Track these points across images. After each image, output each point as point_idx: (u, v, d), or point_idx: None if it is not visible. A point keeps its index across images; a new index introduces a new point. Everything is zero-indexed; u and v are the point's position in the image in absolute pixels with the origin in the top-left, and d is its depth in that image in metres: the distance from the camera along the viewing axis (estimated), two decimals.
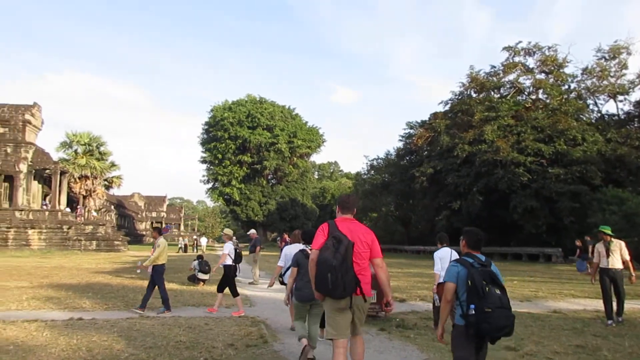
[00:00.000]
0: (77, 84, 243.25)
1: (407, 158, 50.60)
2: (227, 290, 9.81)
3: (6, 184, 38.62)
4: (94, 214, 42.63)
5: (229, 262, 9.75)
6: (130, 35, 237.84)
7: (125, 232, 56.05)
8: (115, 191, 62.68)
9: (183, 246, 44.35)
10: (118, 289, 13.30)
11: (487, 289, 3.83)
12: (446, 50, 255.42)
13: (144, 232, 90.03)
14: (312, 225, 63.93)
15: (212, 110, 64.81)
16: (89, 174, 41.51)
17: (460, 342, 3.97)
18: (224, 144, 61.45)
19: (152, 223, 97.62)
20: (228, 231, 10.49)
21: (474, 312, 3.81)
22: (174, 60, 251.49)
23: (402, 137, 50.82)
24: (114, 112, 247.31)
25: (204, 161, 66.76)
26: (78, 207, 43.15)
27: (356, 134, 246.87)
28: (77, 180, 41.40)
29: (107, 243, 38.32)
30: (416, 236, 51.33)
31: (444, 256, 7.56)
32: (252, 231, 19.32)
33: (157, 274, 9.72)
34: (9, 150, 38.96)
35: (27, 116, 40.35)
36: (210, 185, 67.01)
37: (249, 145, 61.59)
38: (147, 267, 10.22)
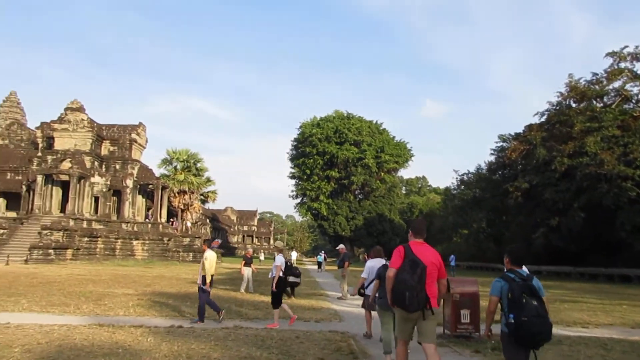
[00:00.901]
0: (177, 106, 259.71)
1: (500, 172, 48.57)
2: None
3: (115, 198, 41.90)
4: (188, 224, 44.92)
5: (275, 273, 9.87)
6: (227, 61, 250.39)
7: (219, 244, 58.56)
8: (210, 205, 65.84)
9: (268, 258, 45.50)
10: (214, 299, 13.86)
11: (524, 300, 4.45)
12: (543, 60, 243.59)
13: (237, 245, 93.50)
14: (399, 241, 62.98)
15: (300, 127, 66.34)
16: (186, 189, 43.92)
17: (506, 346, 4.68)
18: (312, 160, 62.49)
19: (243, 236, 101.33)
20: (279, 244, 10.59)
21: (513, 320, 4.46)
22: (267, 81, 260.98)
23: (494, 150, 48.95)
24: (209, 131, 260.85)
25: (292, 176, 68.23)
26: (172, 220, 45.73)
27: (445, 148, 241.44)
28: (176, 194, 43.94)
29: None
30: None
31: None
32: (341, 246, 19.39)
33: (203, 285, 9.96)
34: (117, 166, 42.31)
35: (134, 135, 43.66)
36: (298, 200, 68.24)
37: (336, 160, 62.16)
38: (208, 283, 10.16)
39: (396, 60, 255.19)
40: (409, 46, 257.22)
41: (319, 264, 38.53)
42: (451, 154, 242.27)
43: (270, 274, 10.15)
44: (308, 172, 63.56)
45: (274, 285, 9.66)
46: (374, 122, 67.81)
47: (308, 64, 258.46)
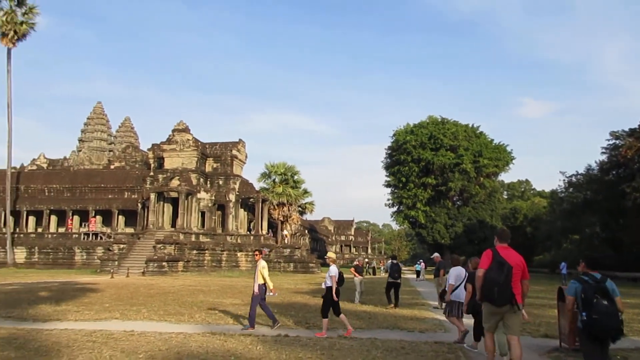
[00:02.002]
0: (273, 121, 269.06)
1: (614, 172, 44.77)
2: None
3: (219, 212, 44.16)
4: (285, 233, 46.06)
5: (330, 283, 9.85)
6: (317, 75, 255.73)
7: (318, 254, 59.47)
8: (308, 216, 67.11)
9: (371, 269, 45.42)
10: (316, 309, 14.08)
11: (595, 300, 5.15)
12: None
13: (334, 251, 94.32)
14: None
15: (394, 135, 65.78)
16: (285, 201, 45.20)
17: (582, 340, 5.48)
18: (407, 167, 61.65)
19: (341, 246, 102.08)
20: (331, 254, 10.64)
21: (585, 318, 5.20)
22: (358, 92, 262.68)
23: (606, 149, 45.26)
24: (304, 144, 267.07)
25: (388, 185, 67.70)
26: (265, 231, 47.12)
27: (549, 148, 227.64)
28: (276, 207, 45.36)
29: (303, 265, 41.06)
30: (631, 260, 44.75)
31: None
32: (436, 255, 18.97)
33: (260, 293, 10.16)
34: (220, 182, 44.63)
35: (234, 152, 45.86)
36: (395, 208, 67.52)
37: (432, 167, 60.83)
38: (274, 289, 10.70)
39: (489, 60, 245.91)
40: (503, 44, 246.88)
41: (418, 273, 37.84)
42: (556, 154, 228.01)
43: (323, 284, 10.19)
44: (403, 179, 62.76)
45: (333, 294, 9.68)
46: (470, 125, 65.58)
47: (398, 70, 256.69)
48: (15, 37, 40.33)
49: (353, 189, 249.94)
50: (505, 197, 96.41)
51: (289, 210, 46.30)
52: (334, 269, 10.02)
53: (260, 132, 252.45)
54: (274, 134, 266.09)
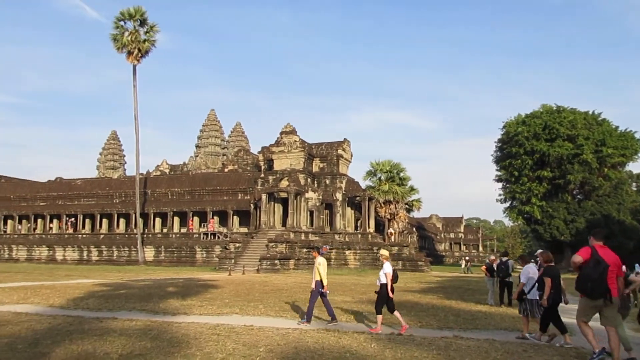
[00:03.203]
0: (377, 119, 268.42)
1: None
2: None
3: (327, 211, 44.98)
4: (390, 230, 45.69)
5: (384, 280, 10.03)
6: (418, 70, 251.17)
7: (426, 252, 58.40)
8: (415, 214, 66.09)
9: (467, 268, 43.88)
10: (428, 308, 13.87)
11: None
12: None
13: (444, 253, 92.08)
14: (632, 245, 54.99)
15: (504, 127, 62.51)
16: (391, 199, 44.89)
17: None
18: (519, 160, 58.28)
19: (450, 244, 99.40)
20: (384, 252, 10.72)
21: None
22: (462, 85, 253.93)
23: None
24: (409, 140, 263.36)
25: (499, 180, 64.51)
26: (372, 229, 46.95)
27: None
28: (382, 204, 45.21)
29: (412, 263, 40.53)
30: None
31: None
32: (539, 252, 17.93)
33: (317, 289, 10.57)
34: (327, 181, 45.46)
35: (340, 151, 46.47)
36: (507, 204, 64.21)
37: (547, 159, 56.91)
38: (326, 286, 10.80)
39: (609, 40, 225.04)
40: (624, 20, 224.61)
41: None
42: None
43: (377, 280, 10.25)
44: (516, 173, 59.43)
45: (388, 291, 9.97)
46: (590, 112, 60.50)
47: (502, 59, 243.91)
48: (139, 55, 44.14)
49: (461, 185, 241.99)
50: (635, 189, 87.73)
51: (395, 207, 45.92)
52: (388, 266, 10.19)
53: (362, 131, 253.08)
54: (376, 132, 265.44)
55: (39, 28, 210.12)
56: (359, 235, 43.86)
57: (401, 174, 46.62)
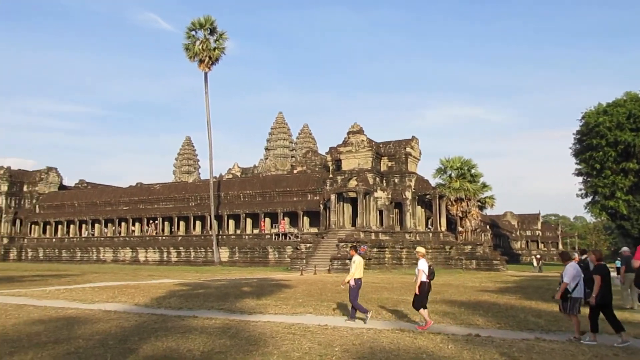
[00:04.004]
0: (445, 115, 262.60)
1: None
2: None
3: (396, 210, 44.54)
4: (460, 229, 44.46)
5: (424, 278, 10.17)
6: (488, 63, 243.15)
7: (501, 251, 56.36)
8: (488, 211, 63.96)
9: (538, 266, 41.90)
10: (506, 309, 13.39)
11: None
12: None
13: (520, 252, 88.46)
14: None
15: (583, 118, 59.05)
16: (463, 196, 43.74)
17: None
18: (601, 152, 54.87)
19: (527, 242, 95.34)
20: (420, 249, 10.85)
21: None
22: (534, 76, 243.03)
23: None
24: (480, 136, 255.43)
25: (579, 173, 61.04)
26: (444, 227, 45.81)
27: None
28: (454, 202, 44.15)
29: (486, 262, 39.30)
30: None
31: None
32: (624, 249, 16.81)
33: (356, 287, 10.97)
34: (396, 180, 45.03)
35: (408, 149, 45.89)
36: (588, 199, 60.66)
37: (633, 150, 53.17)
38: (349, 282, 11.17)
39: None
40: None
41: (618, 270, 33.50)
42: None
43: (417, 278, 10.35)
44: (598, 166, 55.99)
45: (417, 289, 10.18)
46: None
47: (579, 45, 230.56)
48: (210, 62, 45.79)
49: (537, 180, 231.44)
50: None
51: (467, 205, 44.67)
52: (421, 263, 10.32)
53: (430, 128, 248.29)
54: (445, 128, 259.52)
55: (120, 43, 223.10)
56: (430, 234, 43.08)
57: (472, 171, 45.29)
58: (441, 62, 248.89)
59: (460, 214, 44.62)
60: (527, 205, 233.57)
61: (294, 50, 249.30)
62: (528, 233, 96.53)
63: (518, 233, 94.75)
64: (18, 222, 63.97)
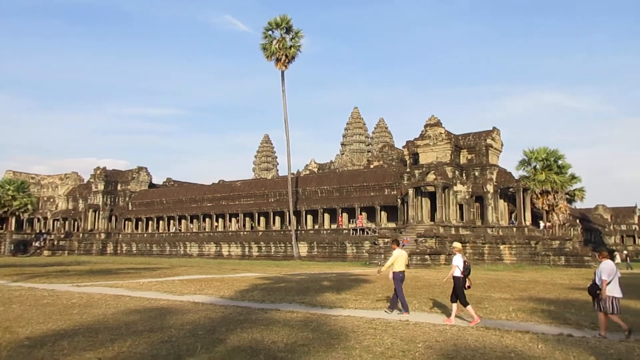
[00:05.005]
0: (527, 104, 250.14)
1: None
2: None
3: (477, 204, 43.14)
4: (543, 224, 42.17)
5: (458, 273, 10.20)
6: (577, 46, 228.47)
7: (593, 246, 52.98)
8: (577, 204, 60.47)
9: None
10: None
11: None
12: None
13: (614, 247, 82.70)
14: None
15: None
16: (549, 189, 41.53)
17: None
18: None
19: (622, 237, 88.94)
20: (457, 244, 10.90)
21: None
22: (630, 57, 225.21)
23: None
24: (567, 125, 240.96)
25: None
26: (529, 222, 43.67)
27: None
28: (539, 195, 42.04)
29: (576, 258, 37.15)
30: None
31: None
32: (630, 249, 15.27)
33: (395, 280, 11.33)
34: (476, 173, 43.58)
35: (489, 141, 44.26)
36: None
37: None
38: (384, 272, 11.81)
39: None
40: None
41: None
42: None
43: (451, 274, 10.45)
44: None
45: (444, 280, 10.81)
46: None
47: None
48: (286, 61, 46.57)
49: (630, 171, 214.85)
50: None
51: (554, 198, 42.35)
52: (456, 259, 10.38)
53: (510, 118, 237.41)
54: (527, 119, 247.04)
55: (201, 47, 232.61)
56: (514, 229, 41.32)
57: (559, 162, 42.86)
58: (519, 50, 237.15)
59: (546, 208, 42.45)
60: (622, 198, 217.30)
61: (368, 44, 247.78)
62: (623, 227, 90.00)
63: (612, 227, 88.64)
64: (113, 218, 68.60)
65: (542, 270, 32.28)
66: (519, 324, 10.00)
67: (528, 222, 41.98)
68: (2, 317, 10.22)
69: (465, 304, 10.11)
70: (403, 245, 12.30)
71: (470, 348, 7.40)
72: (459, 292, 10.19)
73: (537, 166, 42.67)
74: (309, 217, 52.28)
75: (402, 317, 10.61)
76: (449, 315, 10.64)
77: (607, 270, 8.82)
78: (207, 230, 59.76)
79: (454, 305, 10.27)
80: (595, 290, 8.93)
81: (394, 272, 11.46)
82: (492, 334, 8.55)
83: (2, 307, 11.82)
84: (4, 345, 7.48)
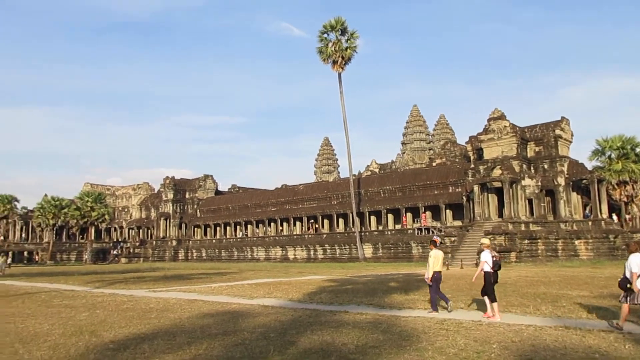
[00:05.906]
0: (595, 90, 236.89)
1: None
2: None
3: (547, 198, 41.32)
4: (629, 216, 39.63)
5: (487, 269, 10.40)
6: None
7: None
8: None
9: None
10: None
11: None
12: None
13: None
14: None
15: None
16: (627, 179, 39.12)
17: None
18: None
19: None
20: (485, 241, 11.07)
21: None
22: None
23: None
24: (638, 110, 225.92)
25: None
26: (605, 214, 41.20)
27: None
28: (616, 186, 39.71)
29: None
30: None
31: None
32: None
33: (434, 280, 11.22)
34: (545, 166, 41.77)
35: (558, 131, 42.32)
36: None
37: None
38: (430, 278, 11.30)
39: None
40: None
41: None
42: None
43: (480, 269, 10.67)
44: None
45: (483, 279, 10.45)
46: None
47: None
48: (343, 62, 46.64)
49: None
50: None
51: (633, 189, 39.83)
52: (485, 255, 10.55)
53: (578, 107, 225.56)
54: (595, 105, 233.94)
55: (258, 54, 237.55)
56: (590, 223, 39.21)
57: (637, 149, 40.31)
58: (582, 33, 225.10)
59: (625, 199, 40.03)
60: None
61: (423, 41, 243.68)
62: None
63: None
64: (183, 225, 71.28)
65: (620, 267, 30.45)
66: (601, 322, 9.48)
67: (604, 214, 39.74)
68: (88, 322, 10.86)
69: (493, 300, 10.22)
70: (437, 245, 12.07)
71: (550, 349, 7.09)
72: (488, 287, 10.31)
73: (612, 155, 40.35)
74: (373, 218, 52.03)
75: (432, 315, 10.74)
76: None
77: (638, 263, 8.57)
78: (272, 234, 60.80)
79: (486, 299, 10.38)
80: (625, 284, 8.70)
81: (434, 272, 11.38)
82: (572, 334, 8.16)
83: (87, 312, 12.57)
84: (92, 348, 7.94)
